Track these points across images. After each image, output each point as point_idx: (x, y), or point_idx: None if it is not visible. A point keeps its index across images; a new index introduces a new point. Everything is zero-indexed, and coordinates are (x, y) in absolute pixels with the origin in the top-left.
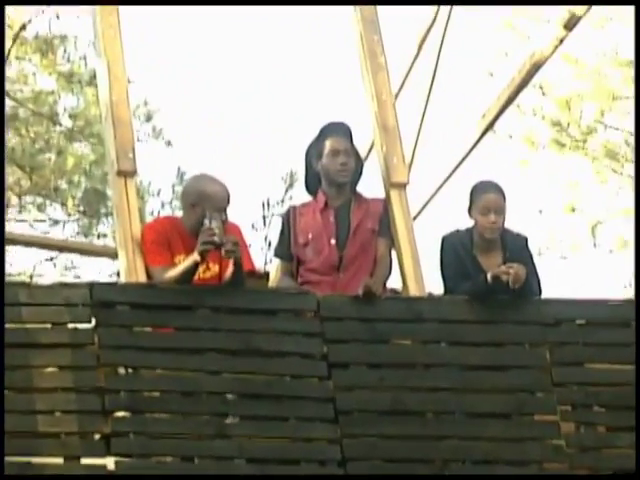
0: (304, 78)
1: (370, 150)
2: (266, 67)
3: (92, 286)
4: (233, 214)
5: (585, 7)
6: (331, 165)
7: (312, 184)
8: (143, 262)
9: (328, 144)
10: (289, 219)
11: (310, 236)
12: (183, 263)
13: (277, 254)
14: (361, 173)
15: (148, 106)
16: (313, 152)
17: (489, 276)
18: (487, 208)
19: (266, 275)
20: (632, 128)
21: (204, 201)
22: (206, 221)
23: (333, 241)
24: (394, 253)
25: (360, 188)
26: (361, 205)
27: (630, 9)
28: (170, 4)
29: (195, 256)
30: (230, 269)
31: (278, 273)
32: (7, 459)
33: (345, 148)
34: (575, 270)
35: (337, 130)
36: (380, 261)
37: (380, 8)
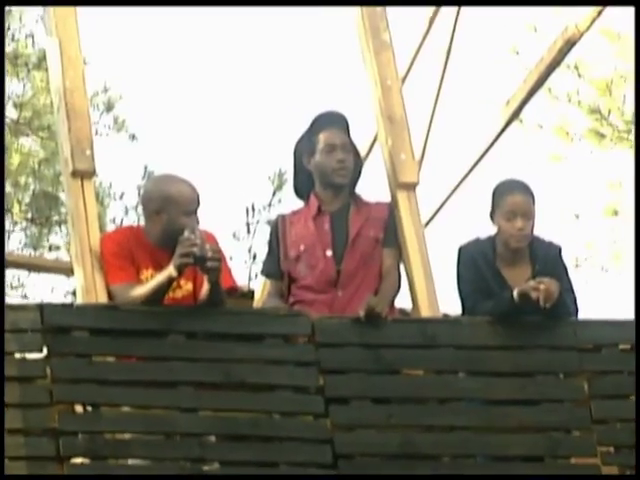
0: (294, 60)
1: (372, 145)
2: (249, 47)
3: (43, 308)
4: (210, 222)
5: None
6: (326, 163)
7: (303, 186)
8: (103, 279)
9: (322, 138)
10: (277, 230)
11: (302, 248)
12: (154, 279)
13: (265, 272)
14: (360, 173)
15: (108, 93)
16: (304, 148)
17: (516, 293)
18: (513, 212)
19: (250, 293)
20: None
21: (170, 206)
22: (186, 232)
23: (329, 253)
24: (402, 266)
25: (360, 190)
26: (361, 210)
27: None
28: None
29: (171, 270)
30: (206, 286)
31: (265, 293)
32: None
33: (342, 142)
34: (618, 285)
35: (332, 122)
36: (386, 276)
37: None
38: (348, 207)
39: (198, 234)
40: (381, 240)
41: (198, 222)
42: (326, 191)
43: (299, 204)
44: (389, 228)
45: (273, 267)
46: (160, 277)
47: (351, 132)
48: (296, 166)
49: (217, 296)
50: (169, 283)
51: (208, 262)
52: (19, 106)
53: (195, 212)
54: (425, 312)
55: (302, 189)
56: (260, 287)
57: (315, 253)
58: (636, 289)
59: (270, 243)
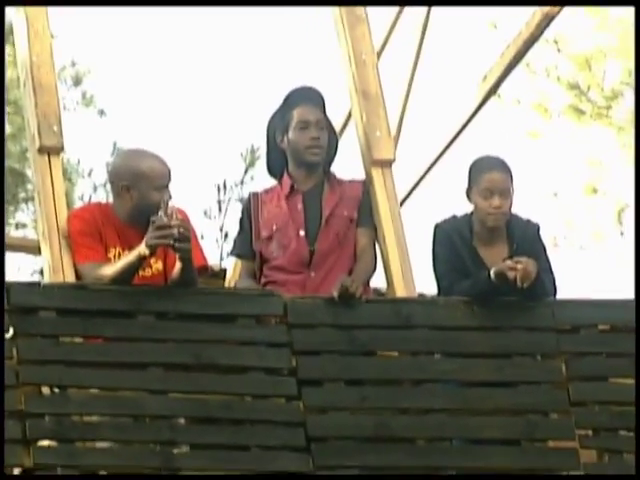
0: (267, 34)
1: (347, 122)
2: (221, 19)
3: (9, 287)
4: (181, 200)
5: None
6: (299, 140)
7: (276, 165)
8: (71, 258)
9: (296, 115)
10: (250, 209)
11: (274, 228)
12: (124, 258)
13: (236, 252)
14: (336, 151)
15: (76, 67)
16: (277, 125)
17: (492, 272)
18: (490, 190)
19: (222, 272)
20: None
21: (141, 182)
22: (161, 212)
23: (302, 233)
24: (377, 245)
25: (334, 167)
26: (335, 189)
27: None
28: None
29: (142, 249)
30: (177, 265)
31: (237, 274)
32: None
33: (317, 119)
34: (597, 264)
35: (307, 98)
36: (360, 256)
37: None
38: (322, 186)
39: (173, 213)
40: (355, 220)
41: (171, 197)
42: (299, 170)
43: (272, 182)
44: (364, 207)
45: (245, 247)
46: (130, 256)
47: (327, 109)
48: (269, 144)
49: (189, 275)
50: (140, 262)
51: (181, 242)
52: None
53: (167, 187)
54: (400, 292)
55: (275, 167)
56: (232, 267)
57: (288, 233)
58: (636, 271)
59: (241, 222)
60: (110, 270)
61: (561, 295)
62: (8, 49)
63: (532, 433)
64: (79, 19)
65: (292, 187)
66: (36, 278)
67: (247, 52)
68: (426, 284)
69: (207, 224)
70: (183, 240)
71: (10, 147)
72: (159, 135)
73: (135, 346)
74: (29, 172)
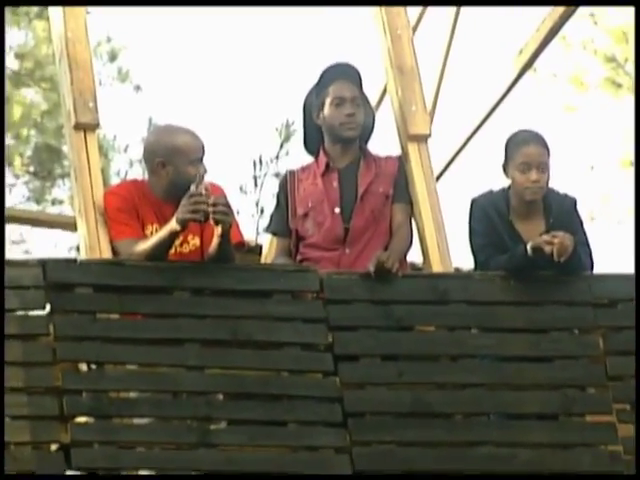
0: (303, 10)
1: (382, 97)
2: None
3: (45, 264)
4: (217, 175)
5: None
6: (335, 116)
7: (312, 141)
8: (107, 235)
9: (331, 91)
10: (286, 187)
11: (310, 205)
12: (157, 234)
13: (272, 230)
14: (373, 127)
15: (112, 43)
16: (313, 101)
17: (529, 247)
18: (527, 164)
19: (258, 248)
20: None
21: (176, 157)
22: (193, 186)
23: (337, 210)
24: (413, 220)
25: (370, 145)
26: (370, 165)
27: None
28: None
29: (173, 224)
30: (215, 242)
31: (272, 251)
32: None
33: (352, 96)
34: (634, 238)
35: (343, 74)
36: (396, 231)
37: None
38: (357, 163)
39: (206, 187)
40: (391, 196)
41: (206, 170)
42: (335, 146)
43: (308, 157)
44: (399, 183)
45: (281, 225)
46: (162, 232)
47: (363, 85)
48: (305, 120)
49: (226, 251)
50: (172, 238)
51: (219, 215)
52: (21, 57)
53: (201, 160)
54: (437, 267)
55: (312, 145)
56: (267, 244)
57: (323, 210)
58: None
59: (278, 199)
60: (144, 246)
61: (598, 269)
62: (44, 25)
63: (569, 408)
64: None
65: (328, 165)
66: (73, 254)
67: (284, 28)
68: (462, 259)
69: (243, 200)
70: (222, 213)
71: (46, 123)
72: (194, 110)
73: (172, 322)
74: (65, 148)
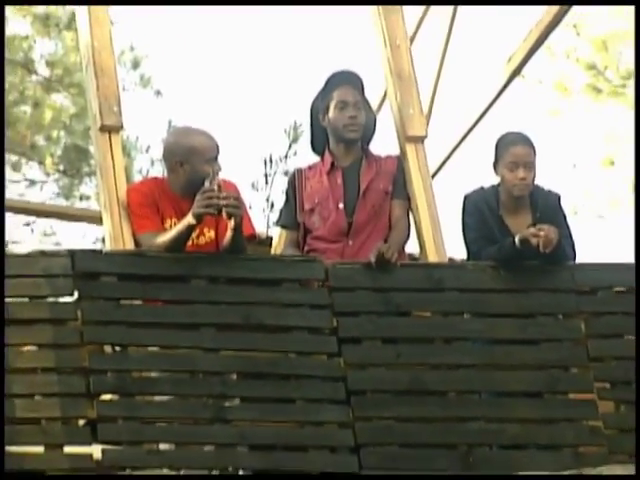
0: (310, 21)
1: (383, 101)
2: (268, 7)
3: (74, 254)
4: (231, 173)
5: None
6: (339, 119)
7: (319, 142)
8: (130, 228)
9: (336, 96)
10: (295, 184)
11: (316, 201)
12: (175, 228)
13: (281, 223)
14: (374, 129)
15: (135, 52)
16: (319, 105)
17: (517, 239)
18: (515, 163)
19: (268, 240)
20: None
21: (192, 156)
22: (207, 182)
23: (341, 205)
24: (411, 215)
25: (371, 145)
26: (372, 164)
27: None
28: None
29: (189, 218)
30: (228, 234)
31: (281, 242)
32: None
33: (355, 100)
34: (613, 231)
35: (346, 80)
36: (395, 225)
37: None
38: (360, 162)
39: (218, 184)
40: (390, 192)
41: (220, 168)
42: (339, 146)
43: (314, 157)
44: (398, 181)
45: (290, 218)
46: (180, 225)
47: (365, 90)
48: (312, 123)
49: (239, 242)
50: (189, 231)
51: (230, 208)
52: (51, 64)
53: (216, 159)
54: (432, 257)
55: (318, 145)
56: (277, 236)
57: (328, 206)
58: (636, 237)
59: (287, 195)
60: (164, 238)
61: (580, 259)
62: (72, 35)
63: (554, 386)
64: (137, 7)
65: (332, 164)
66: (99, 246)
67: (292, 38)
68: (456, 250)
69: (254, 195)
70: (233, 206)
71: (74, 126)
72: (210, 113)
73: (189, 308)
74: (92, 149)
